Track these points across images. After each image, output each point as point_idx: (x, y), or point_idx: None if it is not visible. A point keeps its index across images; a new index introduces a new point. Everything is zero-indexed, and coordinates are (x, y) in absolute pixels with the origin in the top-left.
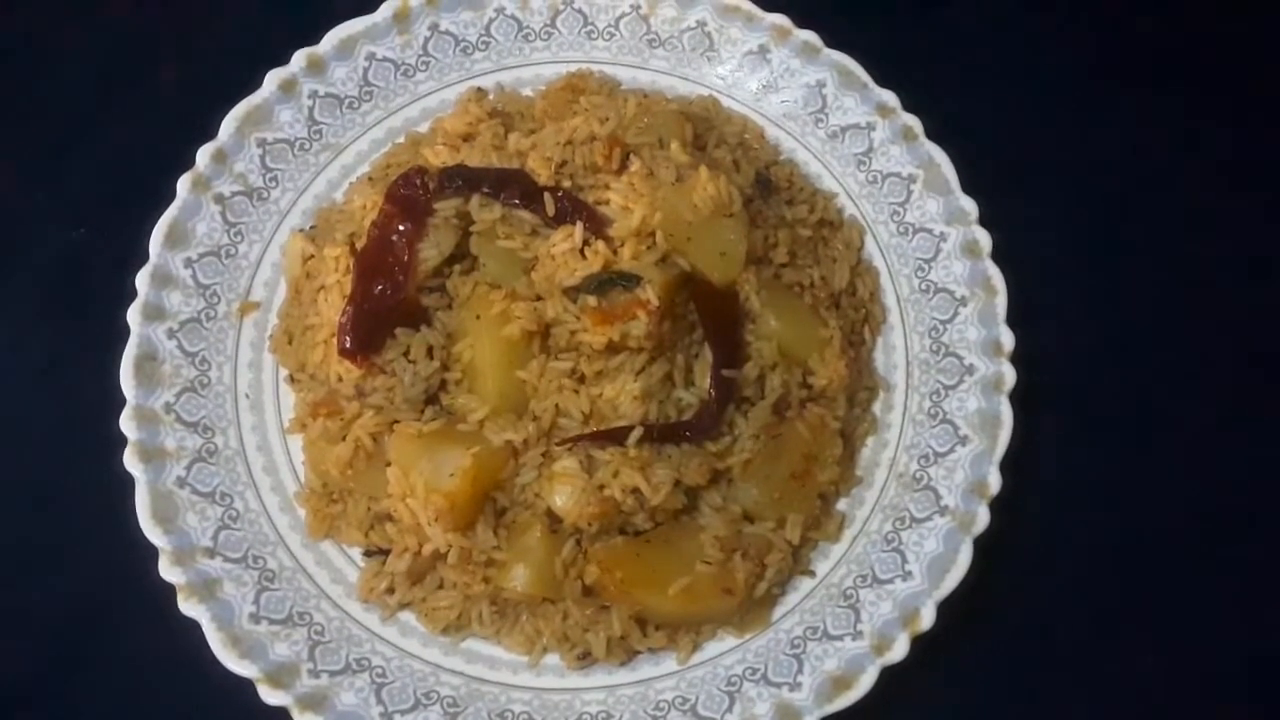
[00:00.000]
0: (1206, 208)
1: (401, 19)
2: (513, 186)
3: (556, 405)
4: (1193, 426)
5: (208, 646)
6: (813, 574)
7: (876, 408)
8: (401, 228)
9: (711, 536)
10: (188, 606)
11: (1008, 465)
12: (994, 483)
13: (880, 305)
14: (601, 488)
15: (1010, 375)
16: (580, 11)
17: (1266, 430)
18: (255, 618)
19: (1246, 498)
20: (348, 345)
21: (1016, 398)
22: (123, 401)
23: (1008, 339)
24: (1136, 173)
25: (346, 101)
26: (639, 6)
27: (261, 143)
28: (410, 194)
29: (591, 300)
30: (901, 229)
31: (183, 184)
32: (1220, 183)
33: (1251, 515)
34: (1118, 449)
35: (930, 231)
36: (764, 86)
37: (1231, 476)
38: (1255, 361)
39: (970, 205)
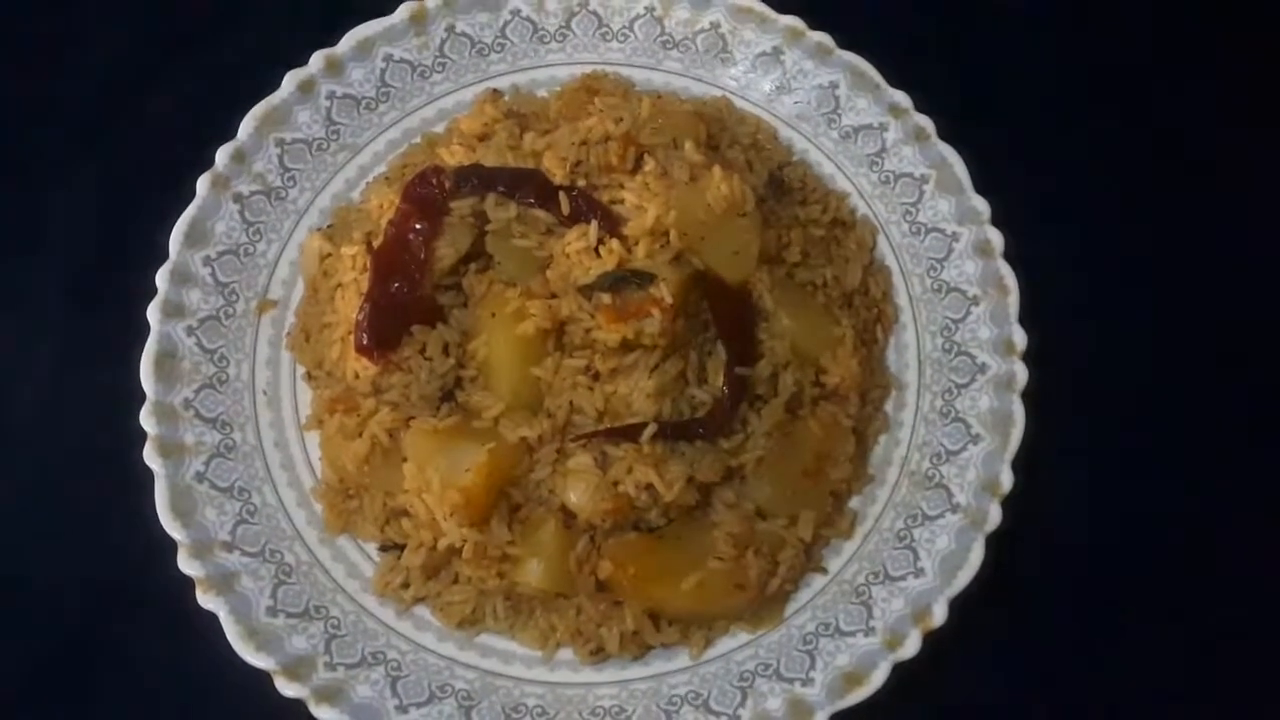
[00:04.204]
0: (1221, 208)
1: (418, 21)
2: (528, 186)
3: (571, 402)
4: (1205, 425)
5: (225, 639)
6: (825, 571)
7: (889, 406)
8: (418, 226)
9: (724, 533)
10: (206, 599)
11: (1020, 463)
12: (1006, 481)
13: (892, 304)
14: (615, 484)
15: (1022, 374)
16: (595, 13)
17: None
18: (272, 611)
19: (1259, 497)
20: (364, 342)
21: (1029, 396)
22: (143, 397)
23: (1020, 338)
24: (1150, 172)
25: (364, 102)
26: (653, 9)
27: (280, 143)
28: (426, 193)
29: (606, 298)
30: (914, 229)
31: (202, 183)
32: (1236, 182)
33: (1263, 515)
34: (1129, 447)
35: (942, 231)
36: (777, 87)
37: (1244, 476)
38: (1270, 362)
39: (982, 205)
